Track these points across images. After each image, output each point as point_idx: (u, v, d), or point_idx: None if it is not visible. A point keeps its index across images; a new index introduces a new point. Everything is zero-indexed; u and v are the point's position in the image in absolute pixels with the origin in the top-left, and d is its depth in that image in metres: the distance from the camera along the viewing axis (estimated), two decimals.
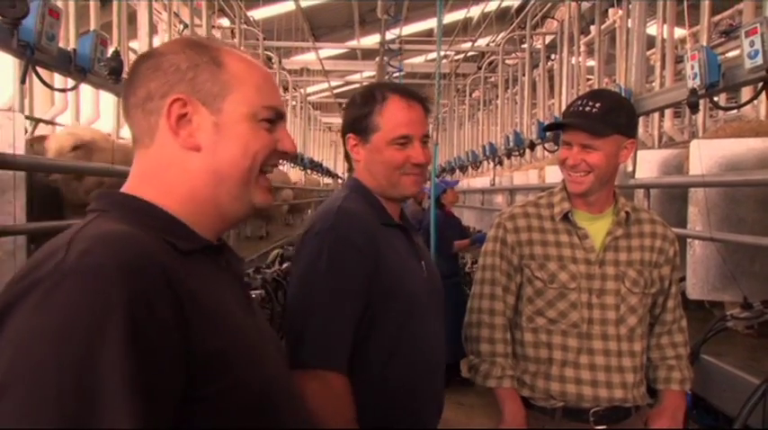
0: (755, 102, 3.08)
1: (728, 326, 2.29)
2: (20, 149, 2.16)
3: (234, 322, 0.74)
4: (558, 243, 1.56)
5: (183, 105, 0.77)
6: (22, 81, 2.13)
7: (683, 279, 2.68)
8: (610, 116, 1.50)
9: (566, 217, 1.58)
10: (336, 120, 17.79)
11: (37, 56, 2.08)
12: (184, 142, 0.78)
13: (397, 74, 10.29)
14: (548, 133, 4.39)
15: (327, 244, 1.21)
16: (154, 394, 0.60)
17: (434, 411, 1.38)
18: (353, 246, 1.21)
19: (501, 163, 6.90)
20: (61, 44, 2.46)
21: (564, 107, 4.55)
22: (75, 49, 2.48)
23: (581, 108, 1.50)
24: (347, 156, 1.38)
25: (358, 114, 1.30)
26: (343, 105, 1.37)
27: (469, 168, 9.00)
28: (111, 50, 2.63)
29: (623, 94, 3.30)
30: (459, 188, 5.89)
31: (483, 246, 1.65)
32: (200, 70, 0.78)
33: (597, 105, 1.49)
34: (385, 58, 9.71)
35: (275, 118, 0.83)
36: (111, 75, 2.58)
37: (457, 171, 9.46)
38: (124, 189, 0.80)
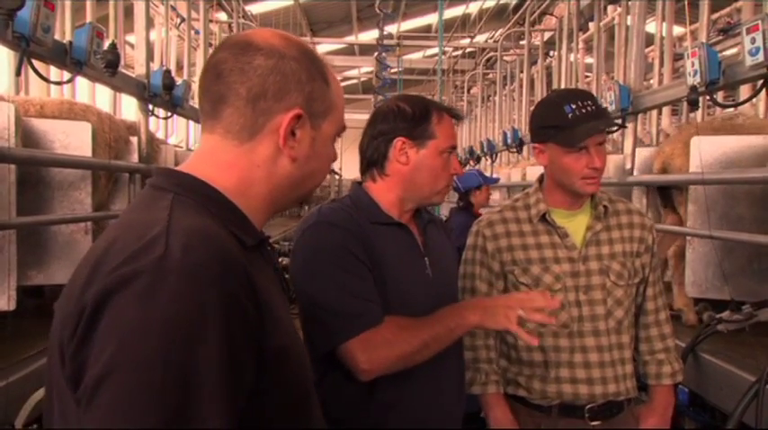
0: (754, 99, 3.08)
1: (719, 329, 2.28)
2: (9, 141, 2.14)
3: (284, 316, 0.77)
4: (539, 245, 1.56)
5: (298, 120, 0.80)
6: (17, 73, 2.11)
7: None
8: (602, 109, 1.55)
9: (543, 217, 1.57)
10: None
11: (32, 48, 2.06)
12: (288, 152, 0.81)
13: (394, 70, 10.27)
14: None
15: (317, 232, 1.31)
16: (239, 391, 0.64)
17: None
18: (340, 227, 1.30)
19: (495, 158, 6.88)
20: (57, 36, 2.44)
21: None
22: (70, 42, 2.45)
23: (584, 110, 1.48)
24: (374, 163, 1.40)
25: (414, 122, 1.37)
26: (385, 114, 1.41)
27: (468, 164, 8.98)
28: (107, 43, 2.60)
29: (622, 91, 3.30)
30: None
31: (463, 255, 1.65)
32: (315, 85, 0.82)
33: (590, 103, 1.50)
34: (378, 54, 9.65)
35: None
36: (108, 68, 2.56)
37: None
38: (193, 171, 0.79)
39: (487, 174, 6.95)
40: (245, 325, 0.65)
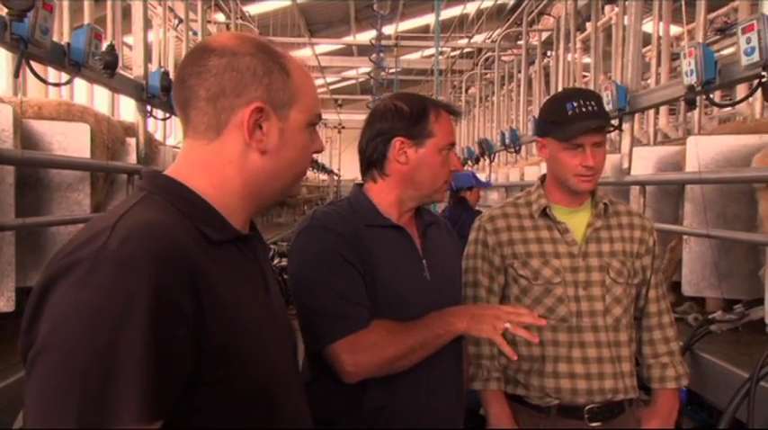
0: (750, 99, 3.09)
1: (712, 330, 2.29)
2: (7, 143, 2.14)
3: (247, 316, 0.79)
4: (540, 239, 1.57)
5: (260, 113, 0.82)
6: (15, 75, 2.11)
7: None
8: (605, 111, 1.58)
9: (544, 212, 1.59)
10: (332, 116, 17.72)
11: (30, 49, 2.07)
12: (256, 146, 0.83)
13: (392, 70, 10.26)
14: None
15: (311, 233, 1.33)
16: (164, 377, 0.67)
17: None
18: (332, 232, 1.31)
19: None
20: (55, 38, 2.44)
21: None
22: (68, 44, 2.46)
23: (584, 109, 1.50)
24: (373, 163, 1.40)
25: (412, 121, 1.37)
26: (382, 113, 1.40)
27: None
28: (105, 45, 2.60)
29: (619, 91, 3.31)
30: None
31: (465, 250, 1.66)
32: (273, 77, 0.84)
33: (593, 104, 1.52)
34: (374, 56, 9.64)
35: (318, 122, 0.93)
36: (106, 69, 2.56)
37: None
38: (173, 173, 0.84)
39: (484, 174, 6.99)
40: (176, 318, 0.68)
